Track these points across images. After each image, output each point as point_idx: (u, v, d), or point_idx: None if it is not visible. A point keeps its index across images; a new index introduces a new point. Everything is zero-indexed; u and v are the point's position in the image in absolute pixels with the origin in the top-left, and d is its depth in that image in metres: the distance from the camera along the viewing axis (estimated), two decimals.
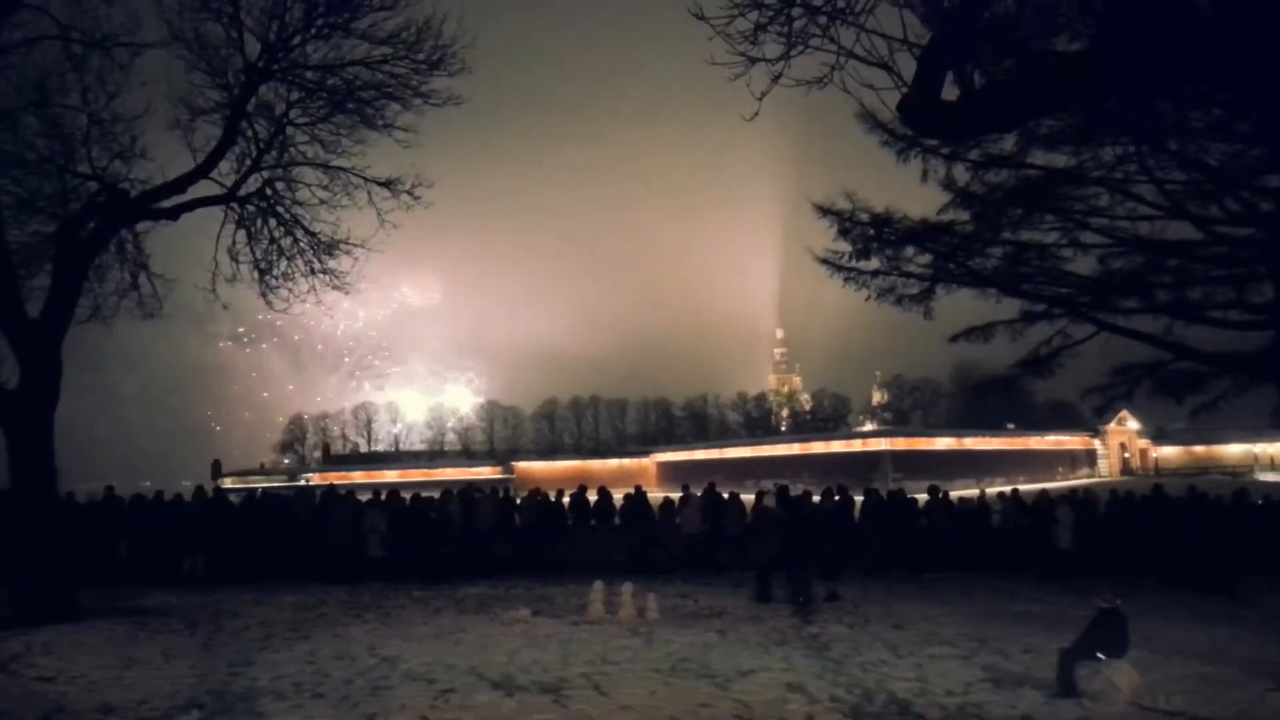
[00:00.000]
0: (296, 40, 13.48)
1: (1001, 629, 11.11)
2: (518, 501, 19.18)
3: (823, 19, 6.36)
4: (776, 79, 6.52)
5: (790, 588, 13.36)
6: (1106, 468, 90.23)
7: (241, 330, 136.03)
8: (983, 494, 19.29)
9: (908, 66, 6.37)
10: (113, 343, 15.68)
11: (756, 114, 6.90)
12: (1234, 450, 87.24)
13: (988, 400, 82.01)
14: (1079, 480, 72.99)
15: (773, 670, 9.04)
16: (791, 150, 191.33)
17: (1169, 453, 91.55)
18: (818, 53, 6.48)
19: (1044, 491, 18.63)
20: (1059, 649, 8.35)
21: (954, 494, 18.66)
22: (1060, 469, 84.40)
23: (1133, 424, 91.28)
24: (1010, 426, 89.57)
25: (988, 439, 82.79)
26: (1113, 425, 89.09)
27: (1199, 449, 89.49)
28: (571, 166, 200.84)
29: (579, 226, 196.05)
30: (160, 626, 11.68)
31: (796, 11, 6.35)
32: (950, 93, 6.47)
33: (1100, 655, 7.87)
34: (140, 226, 14.60)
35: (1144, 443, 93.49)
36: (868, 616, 12.19)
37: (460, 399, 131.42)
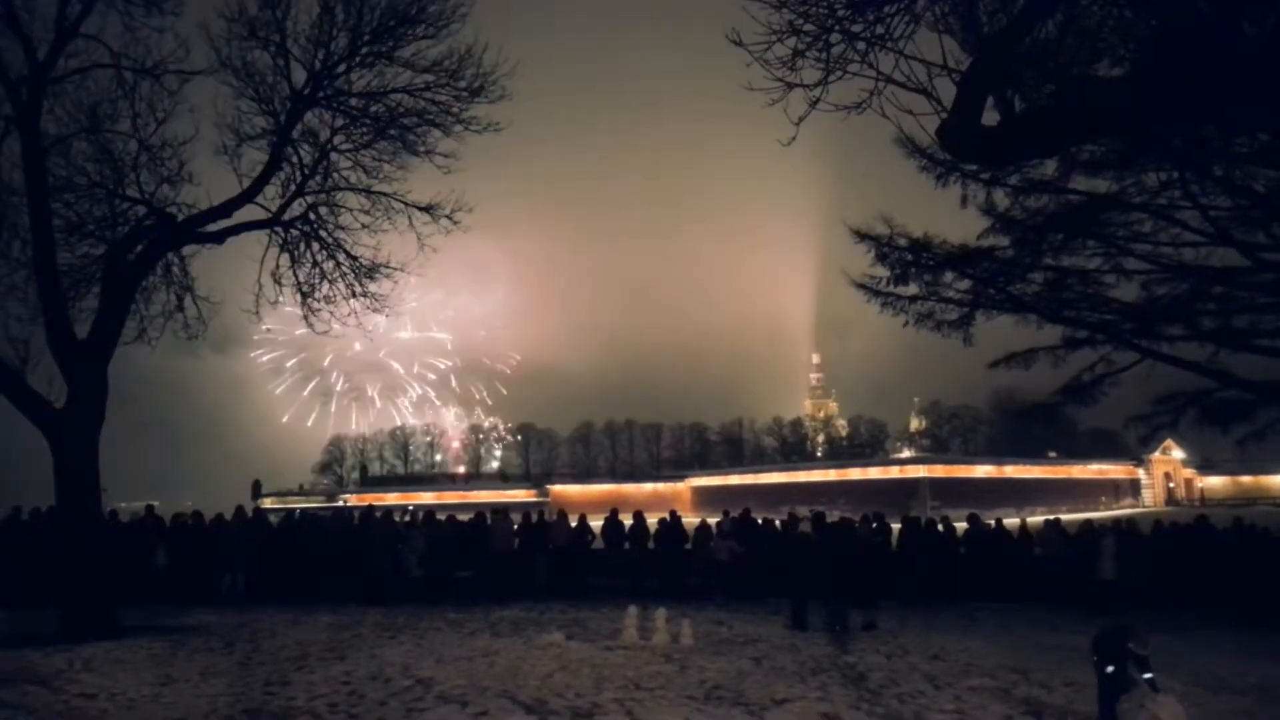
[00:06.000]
0: (341, 68, 13.80)
1: (1043, 661, 10.86)
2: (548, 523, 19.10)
3: (861, 45, 6.33)
4: (814, 104, 6.48)
5: (827, 616, 13.21)
6: (1151, 498, 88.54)
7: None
8: (1023, 522, 18.94)
9: (947, 92, 6.32)
10: (156, 362, 15.92)
11: (794, 139, 6.88)
12: None
13: (1029, 428, 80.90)
14: (1123, 510, 71.57)
15: (808, 700, 8.91)
16: (829, 175, 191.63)
17: (1215, 483, 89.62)
18: (856, 78, 6.43)
19: (1088, 521, 18.28)
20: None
21: (994, 520, 18.30)
22: (1103, 498, 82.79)
23: (1178, 453, 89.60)
24: (1052, 455, 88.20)
25: (1029, 467, 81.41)
26: (1157, 454, 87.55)
27: (1246, 479, 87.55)
28: (608, 193, 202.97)
29: (615, 252, 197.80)
30: (199, 645, 11.80)
31: (835, 38, 6.32)
32: (990, 118, 6.41)
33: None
34: (186, 250, 14.88)
35: (1189, 472, 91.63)
36: (906, 646, 11.99)
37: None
